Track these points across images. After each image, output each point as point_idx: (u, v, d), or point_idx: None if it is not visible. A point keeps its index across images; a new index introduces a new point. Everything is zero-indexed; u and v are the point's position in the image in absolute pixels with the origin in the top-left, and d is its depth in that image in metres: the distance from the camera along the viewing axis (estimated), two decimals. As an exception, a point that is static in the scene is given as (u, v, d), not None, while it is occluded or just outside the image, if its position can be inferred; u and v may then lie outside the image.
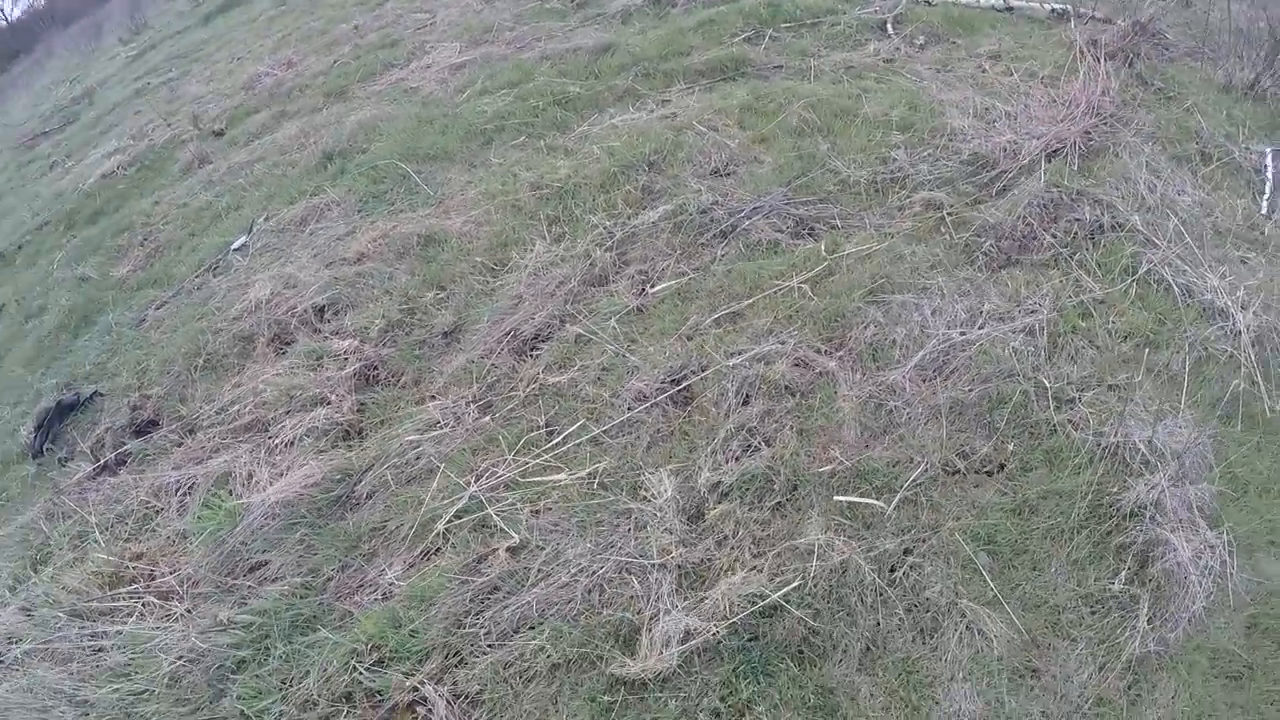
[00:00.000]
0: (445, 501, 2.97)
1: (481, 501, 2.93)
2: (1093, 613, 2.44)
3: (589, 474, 2.97)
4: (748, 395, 3.16)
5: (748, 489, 2.83)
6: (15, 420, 4.72)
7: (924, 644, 2.42)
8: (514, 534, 2.81)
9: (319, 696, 2.60)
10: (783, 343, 3.30)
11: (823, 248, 3.72)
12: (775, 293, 3.53)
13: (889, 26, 5.94)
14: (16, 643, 3.20)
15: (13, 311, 6.06)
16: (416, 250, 4.18)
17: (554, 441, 3.11)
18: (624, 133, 4.76)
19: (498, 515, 2.87)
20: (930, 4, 6.19)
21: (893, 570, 2.55)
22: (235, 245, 4.88)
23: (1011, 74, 4.91)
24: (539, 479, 2.99)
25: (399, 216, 4.49)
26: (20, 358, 5.30)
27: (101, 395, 4.37)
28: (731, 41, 5.91)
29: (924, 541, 2.61)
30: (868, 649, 2.42)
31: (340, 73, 7.41)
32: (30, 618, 3.32)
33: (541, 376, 3.35)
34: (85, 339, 5.00)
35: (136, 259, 5.46)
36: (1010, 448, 2.85)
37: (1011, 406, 2.92)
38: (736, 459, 2.94)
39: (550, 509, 2.89)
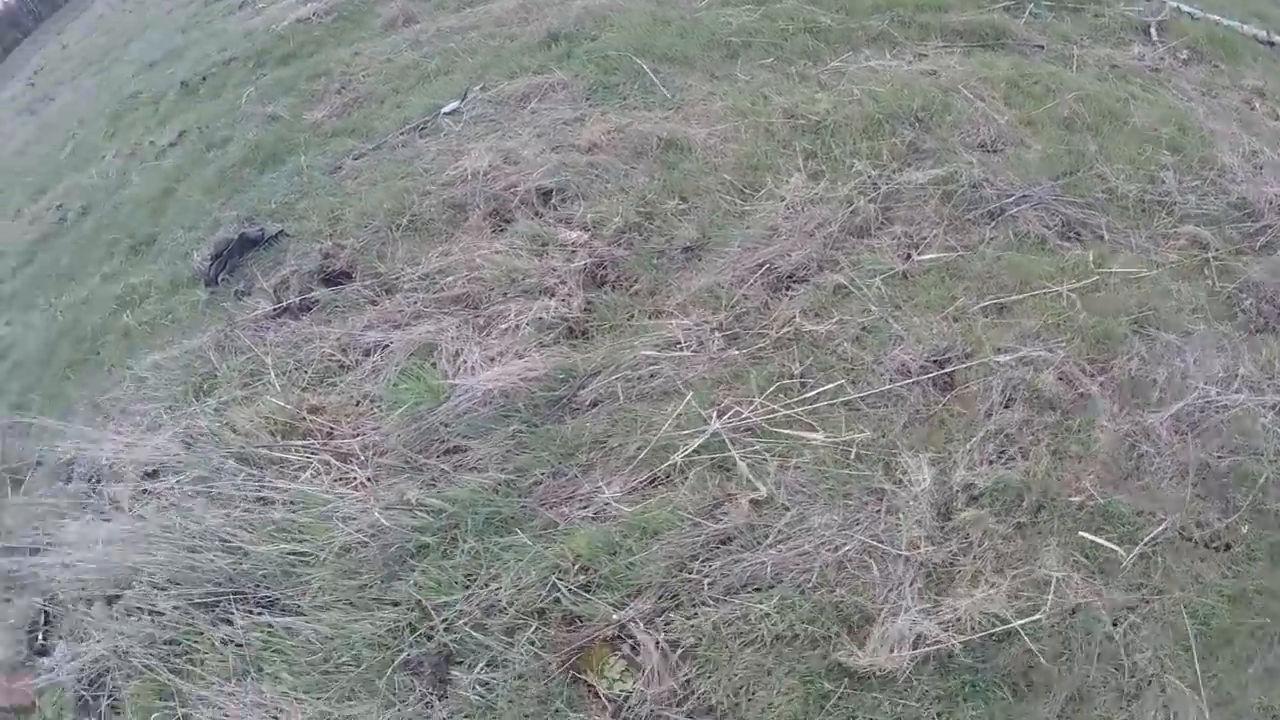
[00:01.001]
0: (683, 432, 2.65)
1: (725, 441, 2.61)
2: (1271, 729, 2.26)
3: (846, 441, 2.63)
4: (1010, 398, 2.88)
5: (998, 499, 2.57)
6: (189, 244, 4.62)
7: (1123, 709, 2.26)
8: (761, 486, 2.48)
9: (508, 605, 2.37)
10: (1051, 351, 3.01)
11: (1091, 258, 3.42)
12: (1044, 294, 3.24)
13: (1153, 31, 5.45)
14: (173, 473, 3.06)
15: (194, 139, 5.97)
16: (655, 153, 3.83)
17: (807, 394, 2.76)
18: (885, 79, 4.30)
19: (743, 461, 2.55)
20: (1193, 18, 5.70)
21: (1115, 624, 2.38)
22: (447, 109, 4.59)
23: (1278, 118, 4.59)
24: (790, 433, 2.65)
25: (633, 113, 4.13)
26: (200, 184, 5.19)
27: (288, 236, 4.19)
28: (991, 7, 5.40)
29: (1148, 603, 2.43)
30: (1071, 698, 2.25)
31: (563, -49, 6.95)
32: (189, 448, 3.17)
33: (798, 320, 2.99)
34: (272, 176, 4.83)
35: (333, 105, 5.25)
36: (1244, 530, 2.64)
37: (1256, 488, 2.69)
38: (991, 463, 2.68)
39: (800, 468, 2.57)
